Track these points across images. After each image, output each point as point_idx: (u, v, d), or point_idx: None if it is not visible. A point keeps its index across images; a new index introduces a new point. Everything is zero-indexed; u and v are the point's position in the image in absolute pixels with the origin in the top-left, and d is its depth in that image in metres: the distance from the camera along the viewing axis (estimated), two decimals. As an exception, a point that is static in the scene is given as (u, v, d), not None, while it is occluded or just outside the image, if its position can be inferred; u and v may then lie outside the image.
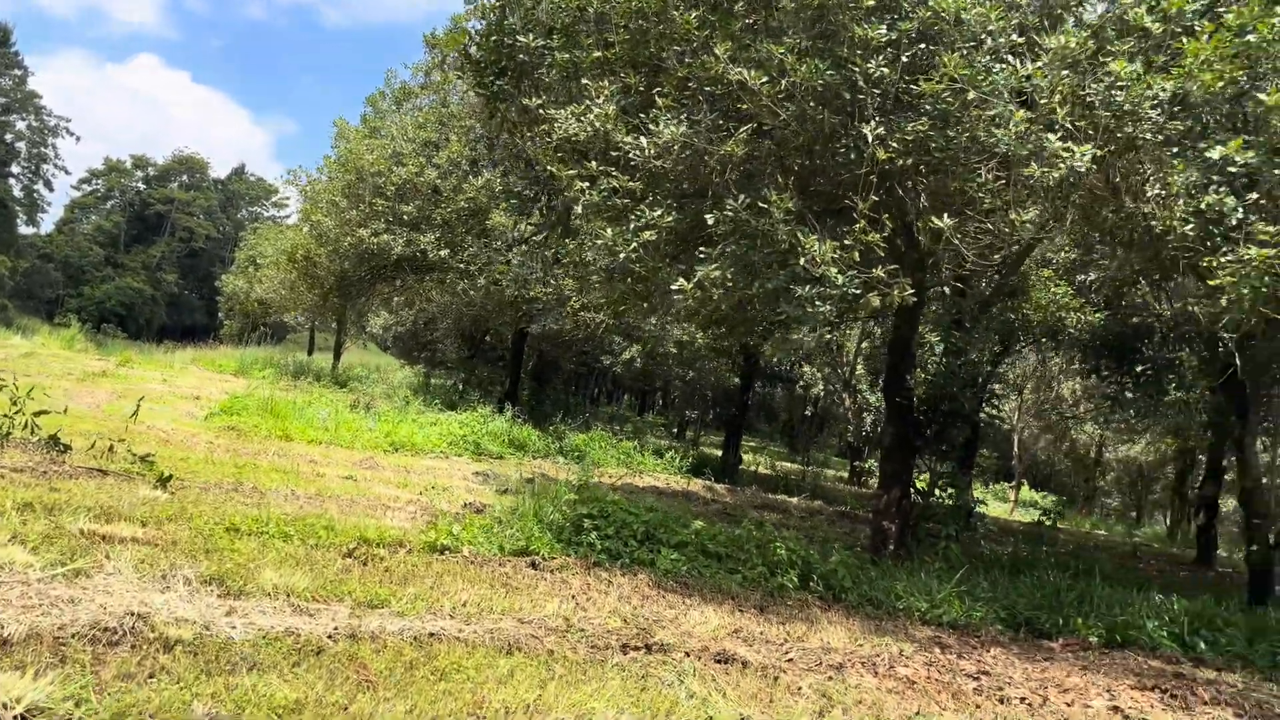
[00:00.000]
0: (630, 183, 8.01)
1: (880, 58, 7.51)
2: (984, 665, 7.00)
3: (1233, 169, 6.86)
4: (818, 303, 7.34)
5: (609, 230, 8.14)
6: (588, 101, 8.40)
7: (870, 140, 7.23)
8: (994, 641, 7.95)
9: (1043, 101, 7.23)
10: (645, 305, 10.05)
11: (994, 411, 18.86)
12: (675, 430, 36.26)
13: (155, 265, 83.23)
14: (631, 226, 7.99)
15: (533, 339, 23.78)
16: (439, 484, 11.65)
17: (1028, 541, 15.14)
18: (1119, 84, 7.14)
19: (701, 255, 7.73)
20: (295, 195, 34.02)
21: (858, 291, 7.36)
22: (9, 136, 73.20)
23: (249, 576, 5.47)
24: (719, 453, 25.40)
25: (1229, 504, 22.40)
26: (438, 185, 20.40)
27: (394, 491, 10.34)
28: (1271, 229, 6.64)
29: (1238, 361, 10.61)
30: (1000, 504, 31.11)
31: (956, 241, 7.79)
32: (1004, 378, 22.76)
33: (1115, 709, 6.10)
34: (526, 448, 17.61)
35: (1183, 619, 8.68)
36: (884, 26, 7.48)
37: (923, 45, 7.76)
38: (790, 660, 6.23)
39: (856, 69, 7.50)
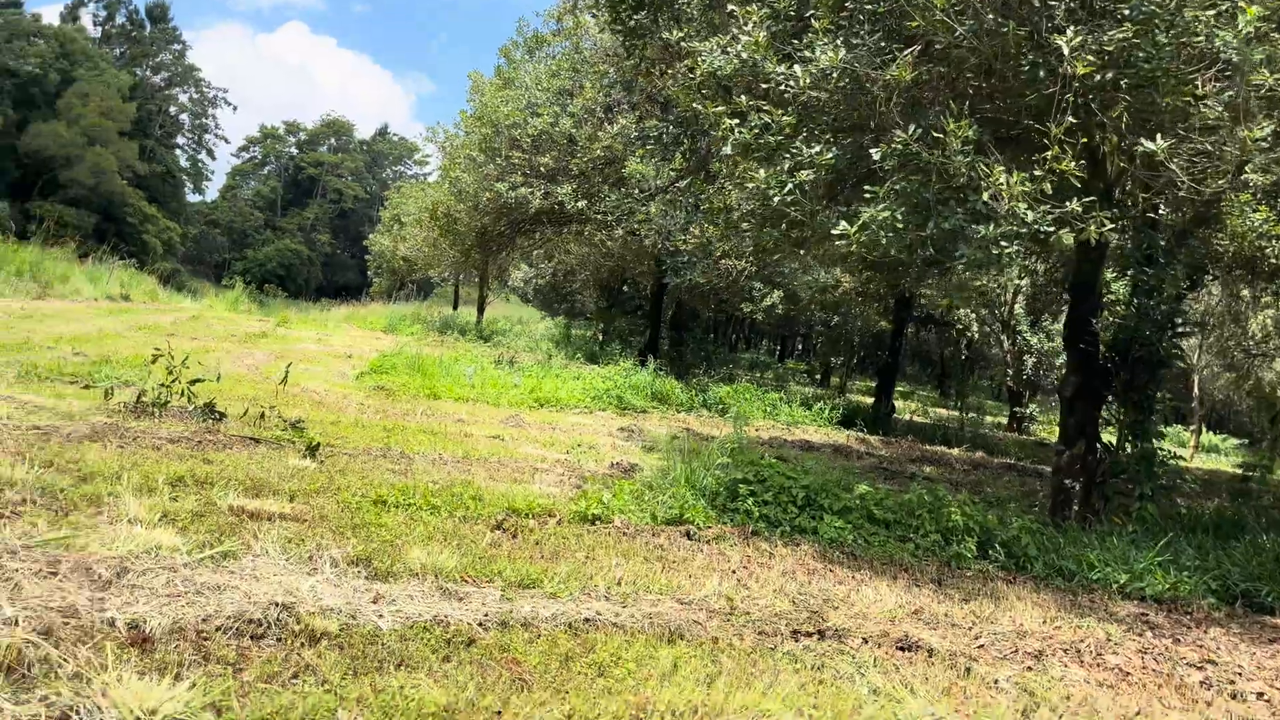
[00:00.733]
0: (784, 117, 7.26)
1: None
2: (1206, 651, 6.11)
3: None
4: (1002, 243, 6.47)
5: (761, 172, 7.43)
6: (734, 31, 7.67)
7: (1067, 53, 6.24)
8: (1209, 620, 7.00)
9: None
10: (801, 251, 9.30)
11: (1176, 352, 17.23)
12: (819, 377, 35.20)
13: (310, 227, 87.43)
14: (786, 166, 7.26)
15: (672, 288, 23.30)
16: (585, 441, 11.39)
17: (1233, 497, 13.66)
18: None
19: (867, 194, 6.93)
20: (435, 152, 34.47)
21: (1050, 229, 6.43)
22: (173, 109, 77.87)
23: (396, 555, 5.24)
24: (868, 400, 24.38)
25: None
26: (573, 134, 20.01)
27: (540, 451, 10.13)
28: None
29: None
30: (1178, 450, 28.77)
31: (1173, 166, 6.69)
32: (1187, 315, 20.83)
33: (1383, 712, 5.16)
34: (669, 401, 17.22)
35: None
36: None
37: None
38: (981, 647, 5.57)
39: (1046, -30, 6.48)
